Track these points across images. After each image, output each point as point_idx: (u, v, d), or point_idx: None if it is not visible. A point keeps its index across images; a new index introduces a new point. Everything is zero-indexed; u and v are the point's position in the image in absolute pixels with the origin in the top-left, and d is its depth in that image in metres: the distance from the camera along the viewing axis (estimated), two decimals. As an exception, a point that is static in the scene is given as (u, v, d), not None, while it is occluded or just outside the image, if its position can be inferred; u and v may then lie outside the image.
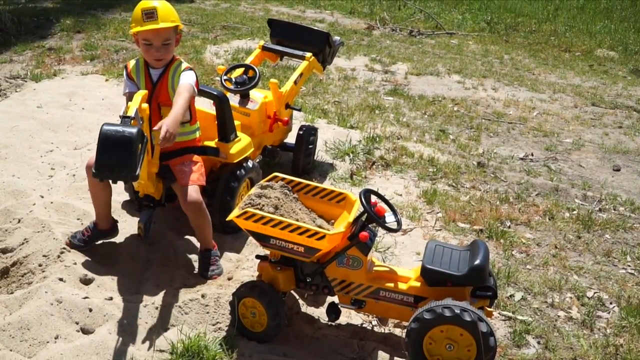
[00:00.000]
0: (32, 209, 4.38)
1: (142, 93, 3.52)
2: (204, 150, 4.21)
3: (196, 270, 4.08)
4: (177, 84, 3.83)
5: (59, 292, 3.48)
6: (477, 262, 3.19)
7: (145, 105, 3.48)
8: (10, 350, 3.15)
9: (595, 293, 4.29)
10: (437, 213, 5.19)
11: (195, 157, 4.05)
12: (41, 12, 11.79)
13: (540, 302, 4.15)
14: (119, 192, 4.58)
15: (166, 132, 3.41)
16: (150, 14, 3.74)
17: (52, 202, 4.50)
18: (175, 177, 3.94)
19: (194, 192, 3.86)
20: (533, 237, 4.98)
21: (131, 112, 3.26)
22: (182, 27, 3.95)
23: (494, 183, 5.96)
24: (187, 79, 3.82)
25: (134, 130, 3.11)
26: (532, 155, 6.81)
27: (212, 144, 4.32)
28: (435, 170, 6.05)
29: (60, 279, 3.63)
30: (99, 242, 4.10)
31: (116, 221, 4.20)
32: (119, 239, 4.20)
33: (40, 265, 3.82)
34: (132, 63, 4.02)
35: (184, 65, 3.94)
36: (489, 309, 3.33)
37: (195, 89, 3.87)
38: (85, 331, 3.35)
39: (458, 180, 5.90)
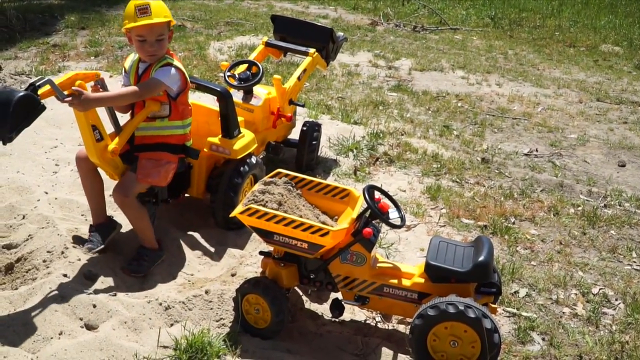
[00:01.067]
0: (37, 205, 4.39)
1: (77, 71, 3.66)
2: (183, 149, 4.07)
3: (200, 266, 4.08)
4: (154, 73, 3.81)
5: (63, 288, 3.49)
6: (481, 258, 3.18)
7: (79, 82, 3.54)
8: (14, 346, 3.14)
9: (600, 289, 4.27)
10: (441, 209, 5.18)
11: (169, 157, 3.95)
12: (46, 8, 11.80)
13: (545, 299, 4.14)
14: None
15: (75, 93, 3.41)
16: (143, 10, 3.73)
17: (56, 198, 4.51)
18: (138, 168, 3.90)
19: (123, 188, 3.80)
20: (538, 233, 4.97)
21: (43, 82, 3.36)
22: (175, 22, 3.94)
23: (498, 179, 5.95)
24: (157, 74, 3.78)
25: (18, 93, 3.16)
26: (537, 150, 6.79)
27: (215, 140, 4.31)
28: (439, 166, 6.04)
29: (65, 275, 3.63)
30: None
31: (111, 216, 4.21)
32: (122, 235, 4.20)
33: (44, 261, 3.82)
34: (129, 57, 4.05)
35: (166, 61, 3.86)
36: (493, 306, 3.32)
37: (164, 84, 3.77)
38: (89, 327, 3.35)
39: (462, 176, 5.89)
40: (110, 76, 7.63)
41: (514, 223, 5.07)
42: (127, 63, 4.02)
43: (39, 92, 3.35)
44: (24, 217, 4.25)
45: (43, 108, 3.34)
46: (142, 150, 3.95)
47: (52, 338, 3.23)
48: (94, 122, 3.69)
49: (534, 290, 4.20)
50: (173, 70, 3.82)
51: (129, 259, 3.95)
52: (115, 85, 7.07)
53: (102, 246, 3.96)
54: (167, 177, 3.93)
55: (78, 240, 4.03)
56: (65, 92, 3.44)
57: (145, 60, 3.90)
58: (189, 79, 3.98)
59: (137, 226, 3.92)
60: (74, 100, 3.42)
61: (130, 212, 3.86)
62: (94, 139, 3.71)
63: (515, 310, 3.95)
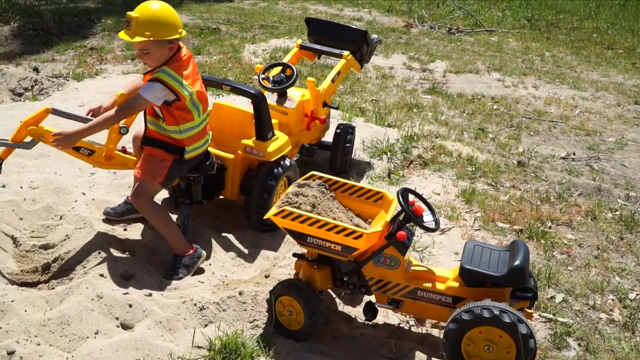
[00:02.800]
0: (74, 206, 4.46)
1: (25, 119, 3.83)
2: (179, 151, 3.97)
3: (234, 268, 4.10)
4: (141, 89, 3.82)
5: (100, 288, 3.53)
6: (517, 262, 3.15)
7: (30, 128, 3.82)
8: (50, 346, 3.19)
9: (637, 295, 4.20)
10: (476, 212, 5.14)
11: (162, 154, 3.95)
12: (82, 12, 11.97)
13: (582, 304, 4.08)
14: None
15: (57, 136, 3.70)
16: (127, 23, 3.69)
17: (93, 199, 4.57)
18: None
19: (138, 191, 3.89)
20: (574, 237, 4.90)
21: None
22: (175, 36, 3.76)
23: (535, 182, 5.88)
24: (142, 90, 3.76)
25: None
26: (574, 154, 6.70)
27: (249, 142, 4.33)
28: (474, 169, 6.00)
29: (101, 275, 3.69)
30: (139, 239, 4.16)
31: None
32: (157, 235, 4.22)
33: (81, 261, 3.88)
34: None
35: (157, 75, 3.77)
36: (529, 311, 3.29)
37: (145, 100, 3.74)
38: (125, 326, 3.39)
39: (497, 180, 5.83)
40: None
41: (550, 227, 5.01)
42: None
43: None
44: (61, 218, 4.32)
45: None
46: (147, 144, 4.01)
47: (88, 337, 3.26)
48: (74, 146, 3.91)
49: (570, 296, 4.15)
50: (158, 84, 3.74)
51: (167, 268, 3.98)
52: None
53: (115, 218, 4.29)
54: (160, 174, 3.92)
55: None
56: (28, 139, 3.78)
57: None
58: (186, 93, 3.79)
59: (160, 231, 3.96)
60: (57, 142, 3.67)
61: (148, 215, 3.93)
62: (84, 156, 4.02)
63: (551, 316, 3.90)
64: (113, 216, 4.34)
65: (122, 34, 3.75)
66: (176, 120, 3.88)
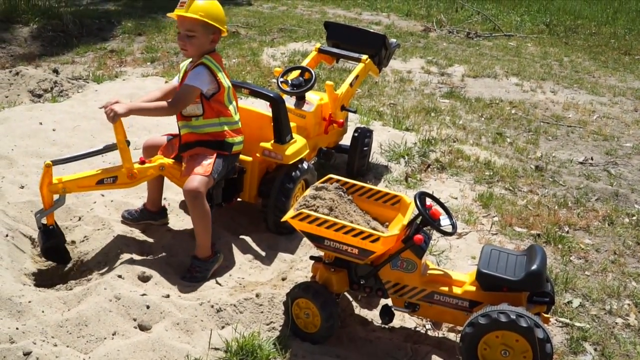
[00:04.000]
0: (93, 207, 4.50)
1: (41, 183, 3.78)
2: (222, 145, 4.06)
3: (251, 270, 4.12)
4: (187, 79, 3.89)
5: (118, 289, 3.55)
6: (534, 267, 3.14)
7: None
8: (67, 347, 3.20)
9: (655, 301, 4.18)
10: (493, 217, 5.13)
11: (205, 151, 4.01)
12: (103, 14, 12.06)
13: (599, 309, 4.06)
14: (176, 192, 4.65)
15: (106, 109, 3.70)
16: (183, 2, 3.83)
17: (112, 201, 4.61)
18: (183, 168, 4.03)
19: (195, 180, 3.85)
20: (592, 242, 4.88)
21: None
22: (224, 30, 3.96)
23: (552, 187, 5.86)
24: (189, 78, 3.87)
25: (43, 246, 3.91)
26: (592, 159, 6.66)
27: (268, 145, 4.35)
28: (491, 173, 5.98)
29: (119, 276, 3.71)
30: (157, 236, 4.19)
31: (165, 208, 4.44)
32: (175, 237, 4.27)
33: (99, 262, 3.92)
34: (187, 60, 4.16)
35: (200, 61, 3.92)
36: (546, 315, 3.27)
37: (195, 88, 3.84)
38: (143, 328, 3.40)
39: (515, 184, 5.82)
40: (166, 82, 7.76)
41: (567, 232, 4.99)
42: (182, 64, 4.13)
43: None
44: (80, 219, 4.36)
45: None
46: (185, 149, 4.05)
47: (105, 338, 3.28)
48: (96, 180, 3.90)
49: (587, 301, 4.13)
50: (203, 70, 3.88)
51: (184, 271, 4.00)
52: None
53: (132, 223, 4.32)
54: (209, 168, 3.94)
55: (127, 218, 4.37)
56: (56, 197, 3.81)
57: (184, 55, 4.06)
58: (225, 83, 3.98)
59: (198, 227, 3.94)
60: (110, 114, 3.67)
61: (197, 211, 3.88)
62: (110, 184, 3.94)
63: (568, 321, 3.89)
64: (130, 221, 4.37)
65: (174, 13, 3.86)
66: (216, 113, 3.98)
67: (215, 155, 4.01)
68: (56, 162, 3.77)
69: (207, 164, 3.94)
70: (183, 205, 4.68)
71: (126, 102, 3.78)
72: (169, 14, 3.93)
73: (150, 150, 4.19)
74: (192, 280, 3.90)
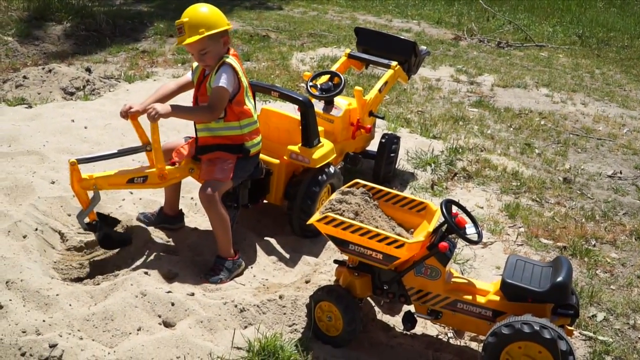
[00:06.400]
0: (122, 204, 4.56)
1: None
2: (241, 149, 4.07)
3: (275, 272, 4.14)
4: (213, 82, 3.87)
5: (144, 285, 3.60)
6: (559, 279, 3.12)
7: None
8: (93, 340, 3.25)
9: (681, 317, 4.13)
10: (519, 228, 5.10)
11: (225, 155, 4.02)
12: (135, 15, 12.18)
13: (622, 323, 4.03)
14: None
15: (150, 108, 3.66)
16: (180, 30, 3.83)
17: (140, 199, 4.67)
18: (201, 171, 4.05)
19: (209, 186, 3.88)
20: (618, 257, 4.83)
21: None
22: (224, 28, 3.89)
23: (580, 200, 5.81)
24: (216, 82, 3.85)
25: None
26: (621, 173, 6.59)
27: (295, 148, 4.37)
28: (519, 184, 5.95)
29: (146, 273, 3.75)
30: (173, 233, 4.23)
31: (182, 212, 4.45)
32: (201, 236, 4.30)
33: (126, 258, 3.97)
34: None
35: (222, 60, 3.91)
36: (569, 328, 3.25)
37: (226, 89, 3.84)
38: (167, 324, 3.44)
39: (542, 196, 5.78)
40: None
41: (594, 245, 4.95)
42: (195, 63, 4.11)
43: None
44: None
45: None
46: (203, 152, 4.07)
47: (130, 333, 3.33)
48: (127, 178, 3.91)
49: (611, 315, 4.09)
50: (229, 69, 3.88)
51: (208, 269, 4.03)
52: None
53: (147, 223, 4.33)
54: (228, 173, 3.98)
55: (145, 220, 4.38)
56: (90, 194, 3.82)
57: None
58: (244, 82, 3.99)
59: (217, 230, 3.97)
60: (151, 115, 3.66)
61: (214, 213, 3.91)
62: (140, 184, 3.94)
63: (591, 334, 3.86)
64: (146, 225, 4.36)
65: (178, 42, 3.88)
66: (237, 116, 3.99)
67: (235, 159, 4.04)
68: (80, 161, 3.77)
69: (228, 169, 3.99)
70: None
71: (159, 104, 3.80)
72: (175, 45, 3.92)
73: (165, 153, 4.18)
74: (215, 279, 3.93)
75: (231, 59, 3.92)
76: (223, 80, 3.83)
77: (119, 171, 3.91)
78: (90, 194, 3.80)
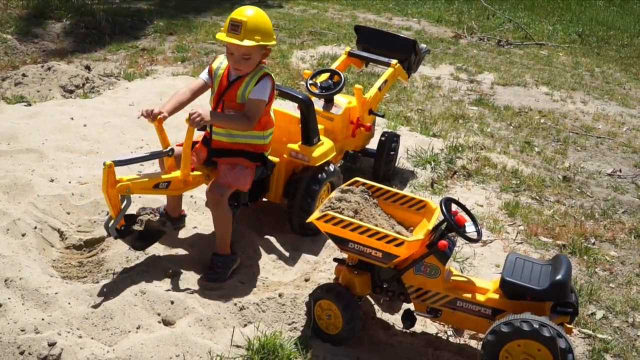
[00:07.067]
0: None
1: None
2: (261, 158, 4.11)
3: (275, 270, 4.14)
4: (250, 92, 3.82)
5: (143, 284, 3.60)
6: (558, 277, 3.12)
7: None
8: (92, 338, 3.25)
9: (680, 315, 4.14)
10: (519, 226, 5.10)
11: (246, 163, 4.01)
12: (135, 12, 12.15)
13: (621, 322, 4.03)
14: (202, 190, 4.67)
15: (194, 114, 3.53)
16: (235, 27, 3.68)
17: (140, 197, 4.65)
18: (217, 173, 4.00)
19: (220, 189, 3.86)
20: (617, 255, 4.83)
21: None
22: (274, 43, 3.87)
23: (580, 198, 5.81)
24: (257, 94, 3.81)
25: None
26: (620, 171, 6.60)
27: (295, 146, 4.37)
28: (518, 182, 5.95)
29: (145, 271, 3.75)
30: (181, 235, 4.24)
31: (184, 215, 4.43)
32: (202, 235, 4.30)
33: (126, 256, 3.96)
34: (219, 59, 4.06)
35: (263, 72, 3.89)
36: (569, 326, 3.25)
37: (266, 102, 3.85)
38: (166, 322, 3.45)
39: (542, 194, 5.78)
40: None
41: (594, 244, 4.95)
42: (216, 64, 4.03)
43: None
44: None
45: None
46: (221, 155, 4.03)
47: (129, 332, 3.33)
48: (153, 183, 3.76)
49: (610, 313, 4.10)
50: (269, 82, 3.88)
51: (206, 267, 4.02)
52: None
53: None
54: (248, 181, 3.99)
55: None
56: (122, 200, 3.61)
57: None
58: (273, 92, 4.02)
59: (220, 229, 3.97)
60: (193, 121, 3.55)
61: (220, 213, 3.91)
62: (164, 189, 3.82)
63: (590, 332, 3.86)
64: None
65: (224, 37, 3.73)
66: (262, 126, 3.99)
67: (254, 167, 4.05)
68: (117, 163, 3.53)
69: (246, 178, 3.97)
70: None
71: (202, 109, 3.67)
72: (220, 38, 3.74)
73: (176, 158, 4.14)
74: (213, 276, 3.92)
75: (269, 71, 3.93)
76: (263, 93, 3.82)
77: (143, 174, 3.80)
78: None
